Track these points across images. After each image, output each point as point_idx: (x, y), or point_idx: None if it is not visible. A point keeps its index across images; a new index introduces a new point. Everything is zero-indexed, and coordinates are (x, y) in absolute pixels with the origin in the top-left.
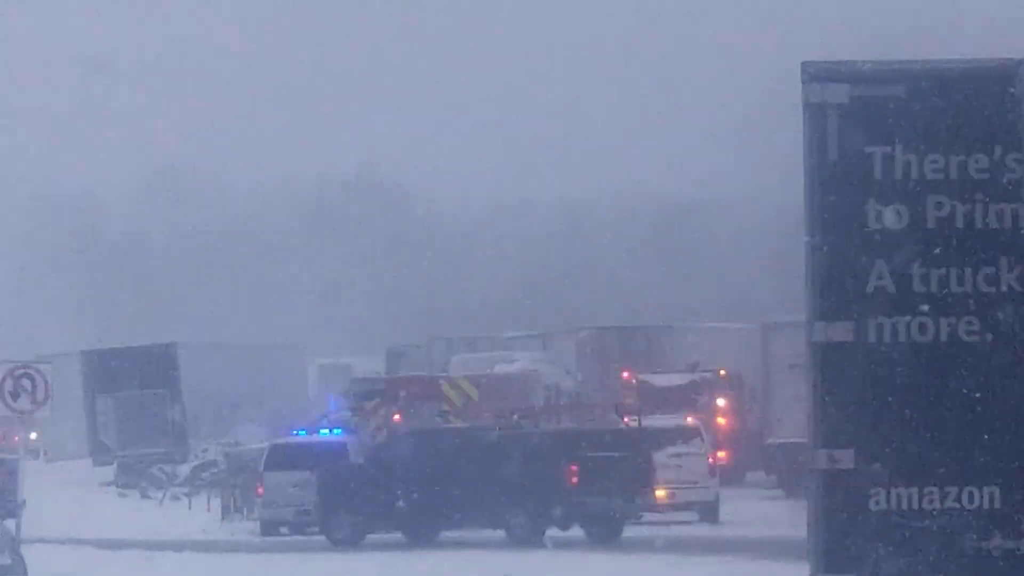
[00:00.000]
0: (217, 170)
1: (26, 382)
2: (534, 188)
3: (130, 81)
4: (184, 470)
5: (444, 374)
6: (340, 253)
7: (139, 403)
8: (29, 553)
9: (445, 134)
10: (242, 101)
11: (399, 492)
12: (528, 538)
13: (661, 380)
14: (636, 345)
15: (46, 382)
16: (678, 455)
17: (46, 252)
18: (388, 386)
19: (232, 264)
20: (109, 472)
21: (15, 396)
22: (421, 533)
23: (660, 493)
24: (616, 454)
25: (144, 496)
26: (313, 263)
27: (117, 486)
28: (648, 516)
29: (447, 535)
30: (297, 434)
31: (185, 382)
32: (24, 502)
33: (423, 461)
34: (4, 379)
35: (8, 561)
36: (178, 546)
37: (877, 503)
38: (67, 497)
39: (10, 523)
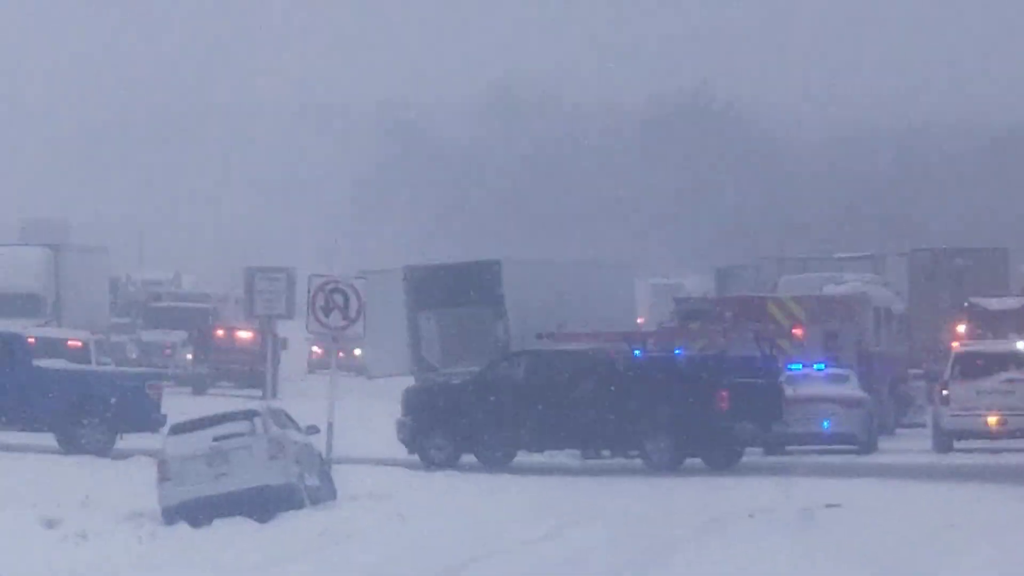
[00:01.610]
0: (549, 87)
1: (338, 297)
2: (869, 110)
3: None
4: None
5: (771, 294)
6: (672, 172)
7: (462, 320)
8: (339, 474)
9: (779, 55)
10: (577, 17)
11: (503, 414)
12: (668, 465)
13: (995, 304)
14: (969, 268)
15: (359, 298)
16: (1011, 381)
17: (381, 167)
18: (713, 306)
19: (562, 182)
20: None
21: (327, 312)
22: (498, 457)
23: (991, 420)
24: (755, 381)
25: None
26: (645, 182)
27: None
28: (977, 444)
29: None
30: (635, 353)
31: (509, 299)
32: (315, 428)
33: (535, 384)
34: (316, 294)
35: (317, 483)
36: None
37: None
38: (385, 415)
39: (319, 444)
